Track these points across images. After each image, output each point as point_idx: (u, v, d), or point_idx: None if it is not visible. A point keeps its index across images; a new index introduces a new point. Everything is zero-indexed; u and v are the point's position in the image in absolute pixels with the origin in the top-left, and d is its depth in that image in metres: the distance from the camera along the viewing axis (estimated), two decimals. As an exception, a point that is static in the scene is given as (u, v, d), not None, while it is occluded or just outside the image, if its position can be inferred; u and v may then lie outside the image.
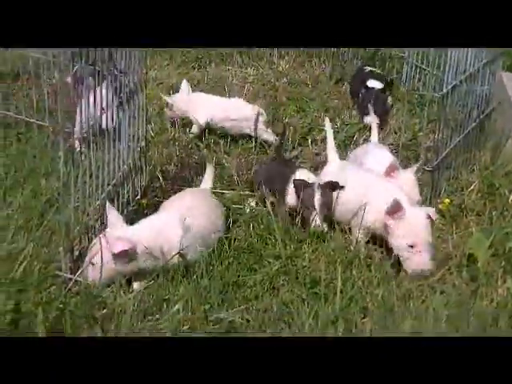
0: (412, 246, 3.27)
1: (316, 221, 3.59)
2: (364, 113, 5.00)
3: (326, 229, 3.59)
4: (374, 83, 5.24)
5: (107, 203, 3.20)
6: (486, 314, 2.91)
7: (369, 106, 4.88)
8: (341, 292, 3.03)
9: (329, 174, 3.86)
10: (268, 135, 4.75)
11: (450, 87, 3.89)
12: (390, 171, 3.77)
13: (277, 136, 4.65)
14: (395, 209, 3.30)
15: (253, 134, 4.74)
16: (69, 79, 2.96)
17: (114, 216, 3.16)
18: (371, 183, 3.62)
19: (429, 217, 3.34)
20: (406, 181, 3.74)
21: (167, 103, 4.89)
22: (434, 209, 3.51)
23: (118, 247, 3.00)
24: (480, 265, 3.28)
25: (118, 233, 3.08)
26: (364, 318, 2.98)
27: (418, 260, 3.27)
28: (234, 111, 4.82)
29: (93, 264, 3.04)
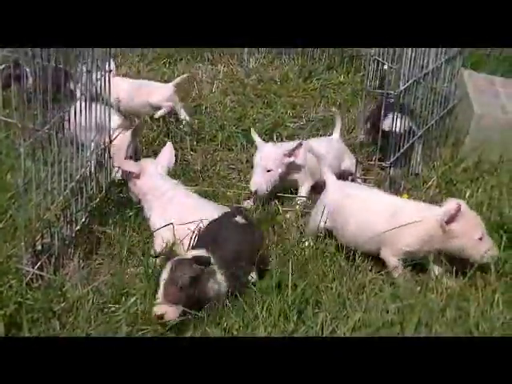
0: (481, 238, 3.28)
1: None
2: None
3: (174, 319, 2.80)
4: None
5: (168, 143, 3.90)
6: (433, 306, 2.99)
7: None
8: (295, 286, 3.10)
9: (329, 199, 3.62)
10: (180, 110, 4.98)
11: (406, 85, 3.99)
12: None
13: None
14: (456, 212, 3.25)
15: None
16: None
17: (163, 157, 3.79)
18: (396, 206, 3.47)
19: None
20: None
21: None
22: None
23: (130, 165, 3.70)
24: (431, 259, 3.36)
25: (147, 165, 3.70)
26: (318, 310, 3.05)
27: (489, 246, 3.29)
28: (143, 93, 5.00)
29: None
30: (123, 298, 3.02)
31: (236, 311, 2.97)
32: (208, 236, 3.14)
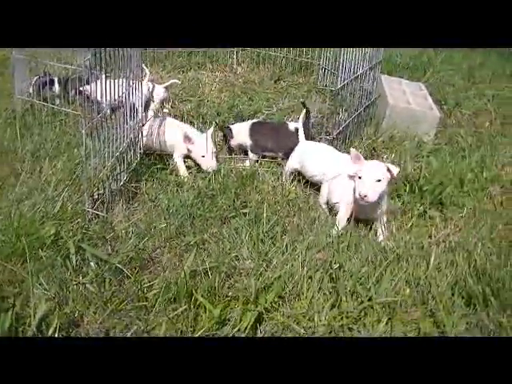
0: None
1: None
2: None
3: None
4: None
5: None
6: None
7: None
8: (268, 220, 3.13)
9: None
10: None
11: (343, 83, 4.01)
12: None
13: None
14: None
15: None
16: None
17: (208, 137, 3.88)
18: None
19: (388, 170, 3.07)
20: None
21: None
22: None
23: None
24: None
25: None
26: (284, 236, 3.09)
27: None
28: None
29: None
30: (152, 229, 3.07)
31: (227, 237, 3.02)
32: None
